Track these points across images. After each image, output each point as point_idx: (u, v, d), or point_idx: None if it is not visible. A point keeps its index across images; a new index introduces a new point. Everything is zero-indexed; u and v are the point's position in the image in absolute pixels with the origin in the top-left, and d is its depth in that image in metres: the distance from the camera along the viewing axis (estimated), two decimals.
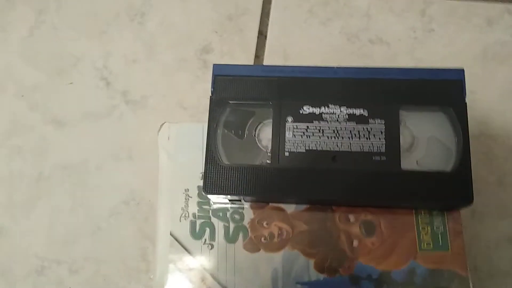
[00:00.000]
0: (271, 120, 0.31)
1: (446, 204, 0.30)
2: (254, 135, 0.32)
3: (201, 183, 0.32)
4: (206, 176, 0.30)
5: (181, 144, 0.33)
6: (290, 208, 0.31)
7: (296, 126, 0.31)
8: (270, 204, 0.32)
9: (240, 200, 0.32)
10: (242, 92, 0.32)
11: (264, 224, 0.31)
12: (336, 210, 0.31)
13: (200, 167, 0.32)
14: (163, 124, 0.33)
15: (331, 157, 0.30)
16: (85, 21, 0.41)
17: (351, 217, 0.31)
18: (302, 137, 0.31)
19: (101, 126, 0.38)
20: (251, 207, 0.32)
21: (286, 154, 0.30)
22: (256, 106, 0.32)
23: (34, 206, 0.37)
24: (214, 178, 0.30)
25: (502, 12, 0.40)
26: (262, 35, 0.39)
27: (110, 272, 0.35)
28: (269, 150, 0.31)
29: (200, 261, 0.31)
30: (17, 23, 0.41)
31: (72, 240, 0.36)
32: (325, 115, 0.30)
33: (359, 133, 0.30)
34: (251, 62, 0.39)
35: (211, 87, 0.32)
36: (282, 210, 0.31)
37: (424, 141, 0.31)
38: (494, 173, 0.35)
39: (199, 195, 0.32)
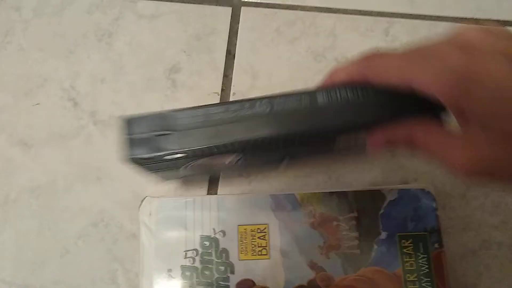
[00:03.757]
0: None
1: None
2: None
3: (184, 262, 0.31)
4: None
5: (163, 220, 0.32)
6: None
7: None
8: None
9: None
10: None
11: None
12: None
13: (184, 245, 0.32)
14: (144, 198, 0.33)
15: None
16: (52, 41, 0.41)
17: None
18: None
19: (69, 147, 0.38)
20: None
21: None
22: None
23: (0, 230, 0.36)
24: None
25: None
26: (230, 54, 0.40)
27: None
28: None
29: None
30: None
31: (40, 264, 0.35)
32: None
33: None
34: (220, 81, 0.39)
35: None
36: None
37: None
38: (459, 186, 0.36)
39: (182, 275, 0.31)
